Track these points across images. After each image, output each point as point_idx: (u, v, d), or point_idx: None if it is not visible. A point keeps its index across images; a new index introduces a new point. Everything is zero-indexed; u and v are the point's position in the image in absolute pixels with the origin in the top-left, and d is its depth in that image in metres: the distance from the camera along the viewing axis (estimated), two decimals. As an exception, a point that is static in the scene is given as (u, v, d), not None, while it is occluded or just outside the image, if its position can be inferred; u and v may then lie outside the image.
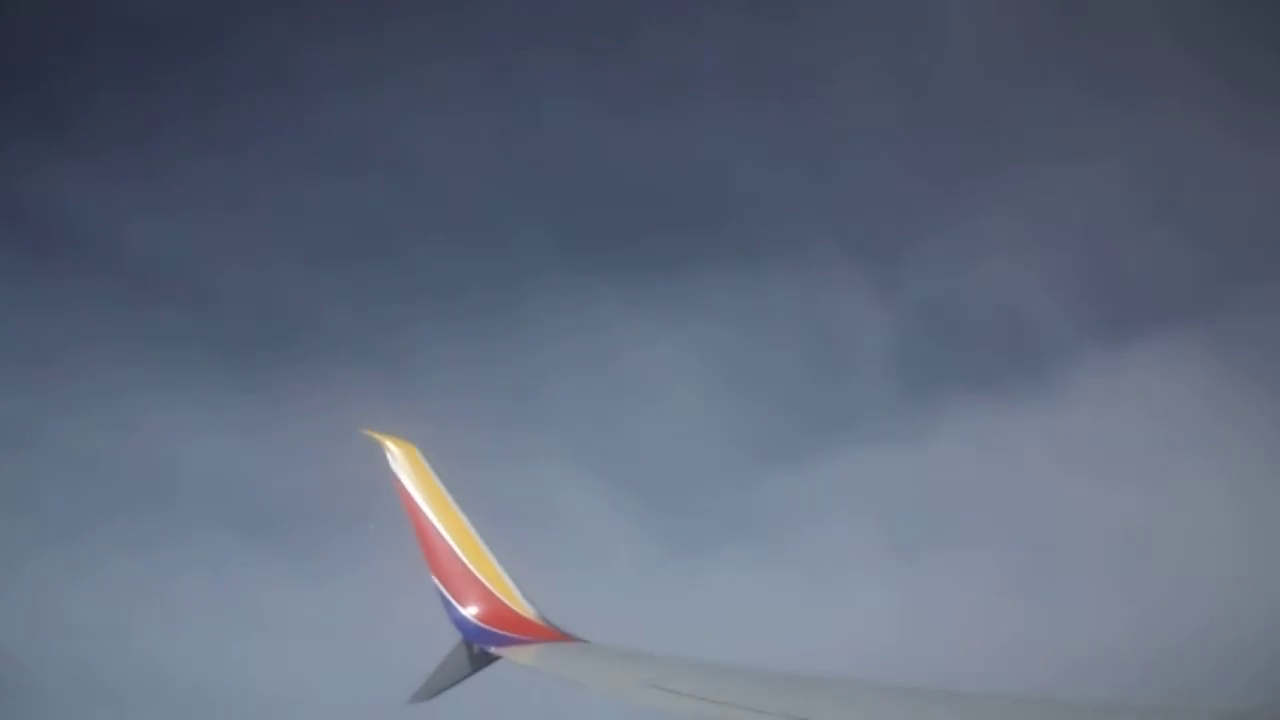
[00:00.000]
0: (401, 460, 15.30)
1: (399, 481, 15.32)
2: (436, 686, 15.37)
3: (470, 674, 15.36)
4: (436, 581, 15.25)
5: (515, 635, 14.88)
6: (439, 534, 15.07)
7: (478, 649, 15.09)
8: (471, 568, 15.09)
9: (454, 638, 15.48)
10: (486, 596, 15.11)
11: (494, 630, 14.97)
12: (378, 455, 15.61)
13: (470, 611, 15.06)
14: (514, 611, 15.09)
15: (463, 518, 15.15)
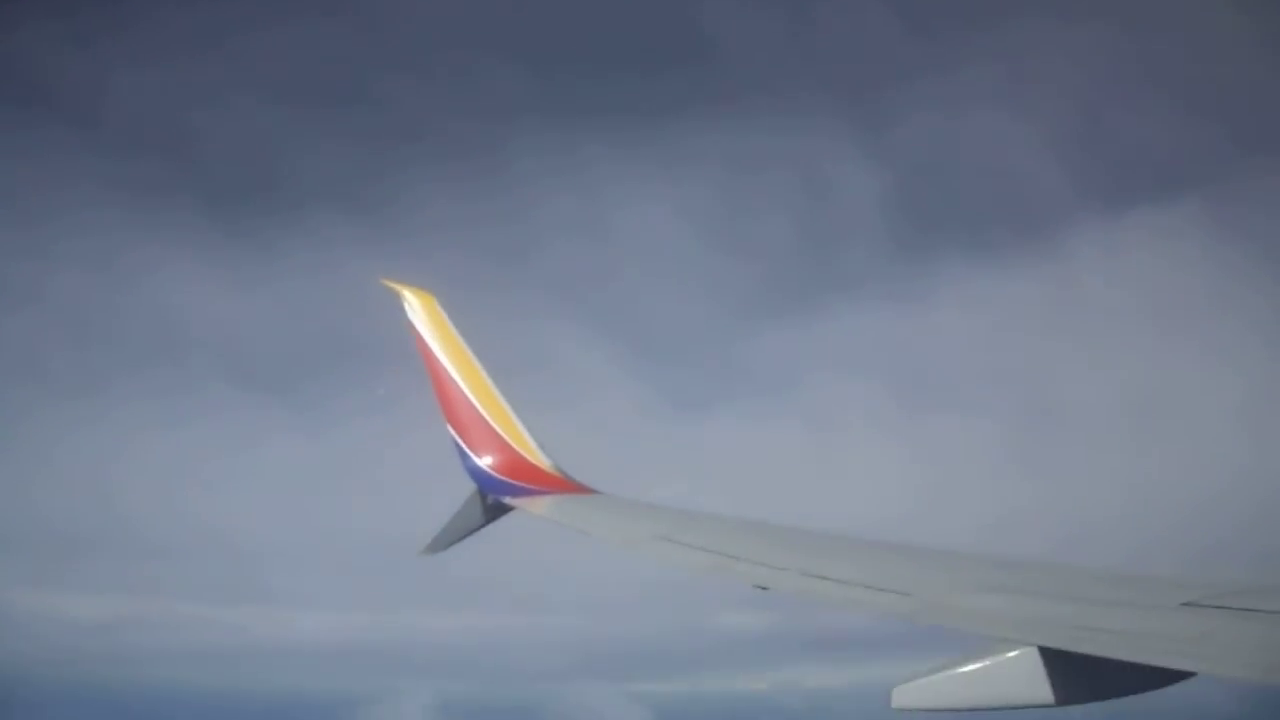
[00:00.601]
0: (419, 310, 15.23)
1: (416, 331, 15.26)
2: (449, 538, 15.48)
3: (483, 525, 15.43)
4: (452, 431, 15.27)
5: (530, 486, 14.97)
6: (455, 384, 15.08)
7: (492, 500, 15.19)
8: (487, 418, 15.12)
9: (467, 490, 15.75)
10: (502, 447, 15.16)
11: (509, 480, 15.05)
12: (394, 306, 15.66)
13: (485, 462, 15.12)
14: (529, 462, 15.15)
15: (479, 368, 15.14)
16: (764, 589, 9.84)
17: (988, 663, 6.93)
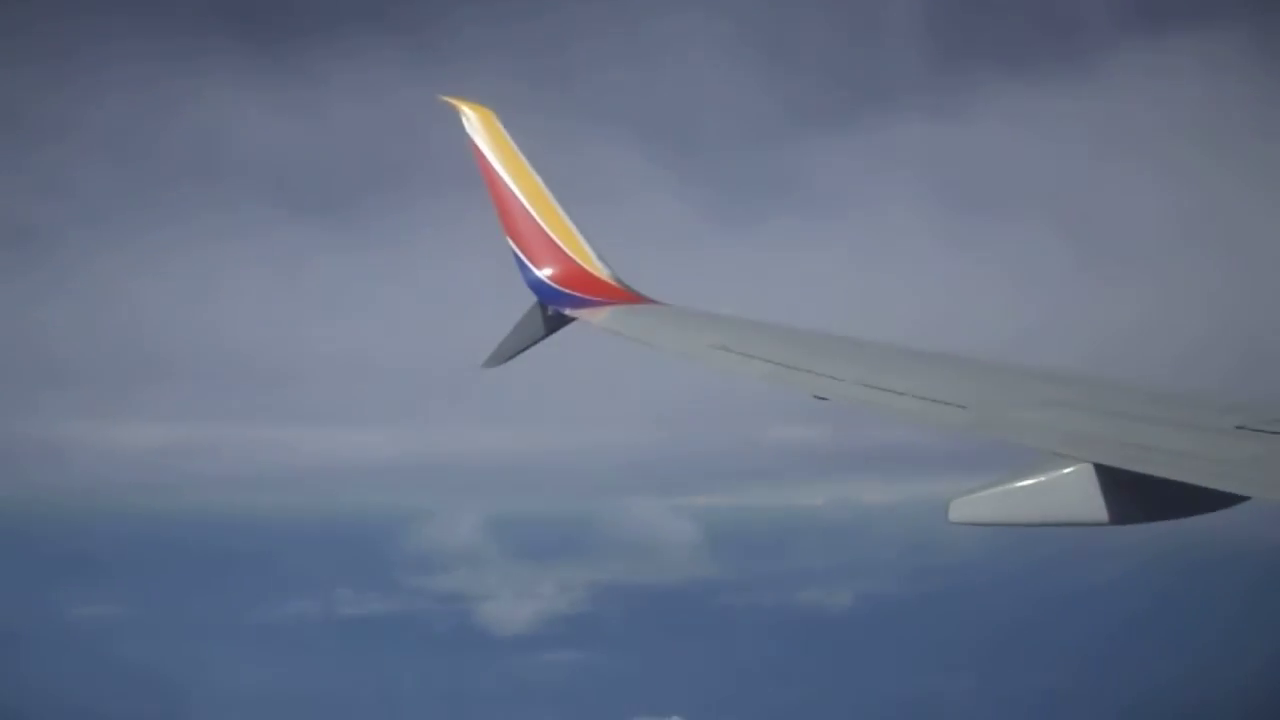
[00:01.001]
0: (478, 125, 15.20)
1: (475, 146, 15.26)
2: (509, 350, 15.77)
3: (544, 337, 15.66)
4: (512, 244, 15.39)
5: (590, 297, 15.16)
6: (515, 197, 15.09)
7: (552, 311, 15.41)
8: (547, 230, 15.22)
9: (528, 302, 15.94)
10: (562, 258, 15.30)
11: (569, 291, 15.25)
12: (449, 123, 15.71)
13: (545, 273, 15.29)
14: (589, 273, 15.32)
15: (538, 181, 15.15)
16: (823, 399, 9.97)
17: (1043, 478, 7.00)
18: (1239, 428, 7.13)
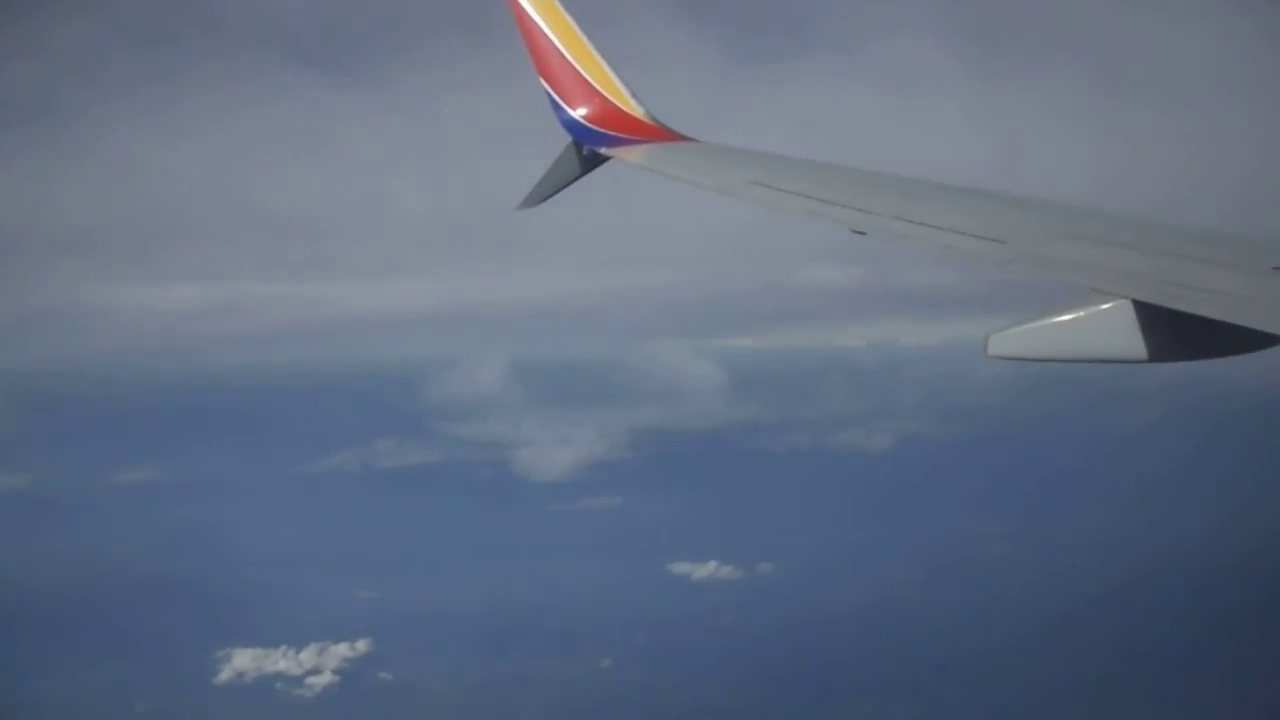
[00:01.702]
0: None
1: None
2: (546, 191, 15.61)
3: (580, 176, 15.44)
4: (545, 84, 15.07)
5: (624, 135, 14.91)
6: (547, 37, 14.68)
7: (587, 150, 15.14)
8: (580, 68, 14.90)
9: (563, 143, 15.77)
10: (595, 97, 15.03)
11: (603, 130, 15.01)
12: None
13: (579, 113, 15.02)
14: (623, 111, 15.05)
15: (570, 20, 14.74)
16: (860, 233, 9.87)
17: (1082, 313, 6.95)
18: (1276, 268, 7.06)
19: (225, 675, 73.13)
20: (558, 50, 14.96)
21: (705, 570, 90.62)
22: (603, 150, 14.95)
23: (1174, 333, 6.89)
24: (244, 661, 74.11)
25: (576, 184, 15.60)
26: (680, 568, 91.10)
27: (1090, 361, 7.13)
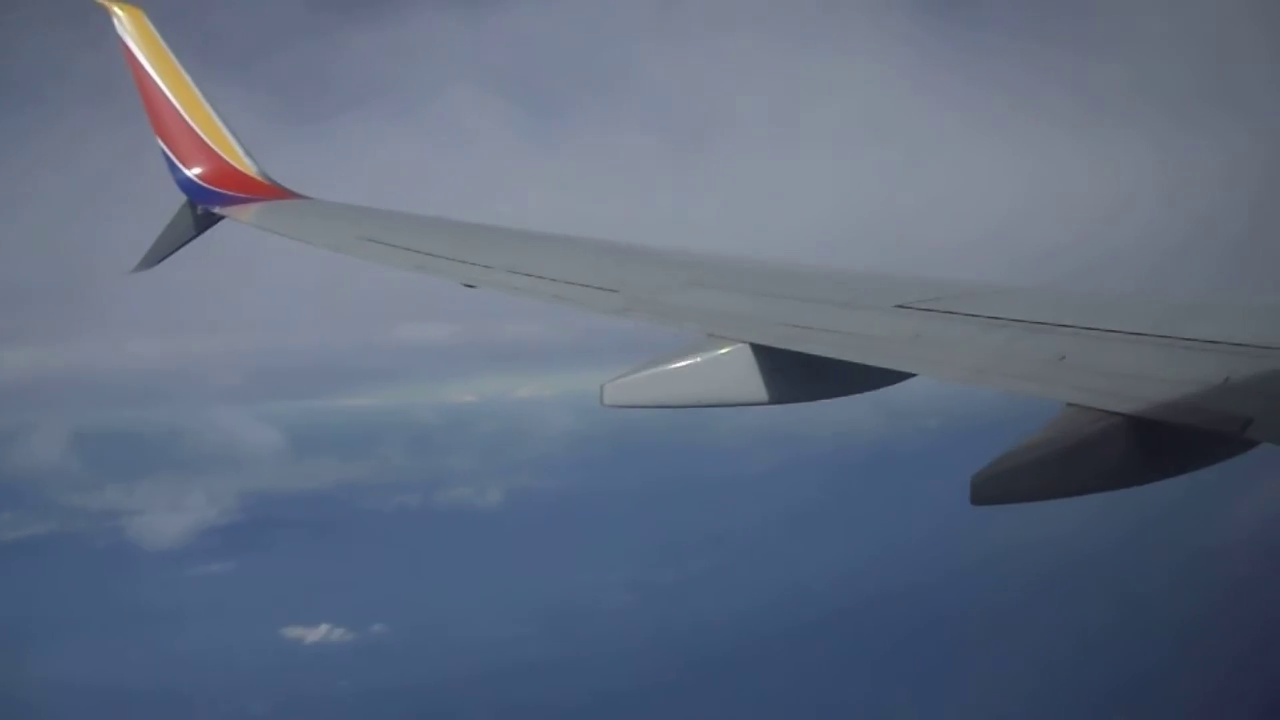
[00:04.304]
0: (128, 24, 14.49)
1: (125, 46, 14.61)
2: (161, 252, 15.18)
3: (194, 236, 14.88)
4: (161, 144, 14.63)
5: (239, 194, 14.69)
6: (164, 95, 14.25)
7: (201, 210, 14.81)
8: (195, 127, 14.61)
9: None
10: (210, 155, 14.76)
11: (218, 189, 14.74)
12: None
13: (195, 172, 14.72)
14: (236, 169, 14.84)
15: (186, 78, 14.22)
16: (471, 286, 9.76)
17: (699, 359, 6.86)
18: (898, 306, 7.14)
19: None
20: (174, 109, 14.67)
21: (318, 633, 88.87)
22: (216, 209, 14.73)
23: (794, 374, 6.90)
24: None
25: (193, 244, 15.39)
26: (294, 632, 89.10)
27: (710, 406, 7.02)
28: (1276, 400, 4.97)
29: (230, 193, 14.80)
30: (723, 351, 6.91)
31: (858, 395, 7.17)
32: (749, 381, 6.89)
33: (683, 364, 6.90)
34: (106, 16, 14.67)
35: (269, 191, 14.87)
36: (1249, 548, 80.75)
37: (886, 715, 71.07)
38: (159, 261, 15.09)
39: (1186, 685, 67.80)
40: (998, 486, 5.03)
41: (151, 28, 14.63)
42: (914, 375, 6.45)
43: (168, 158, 14.90)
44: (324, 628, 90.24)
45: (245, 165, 14.95)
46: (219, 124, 14.90)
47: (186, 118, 14.75)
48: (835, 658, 77.14)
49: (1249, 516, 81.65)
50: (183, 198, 15.06)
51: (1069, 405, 5.33)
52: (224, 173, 14.89)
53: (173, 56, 14.64)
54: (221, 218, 14.77)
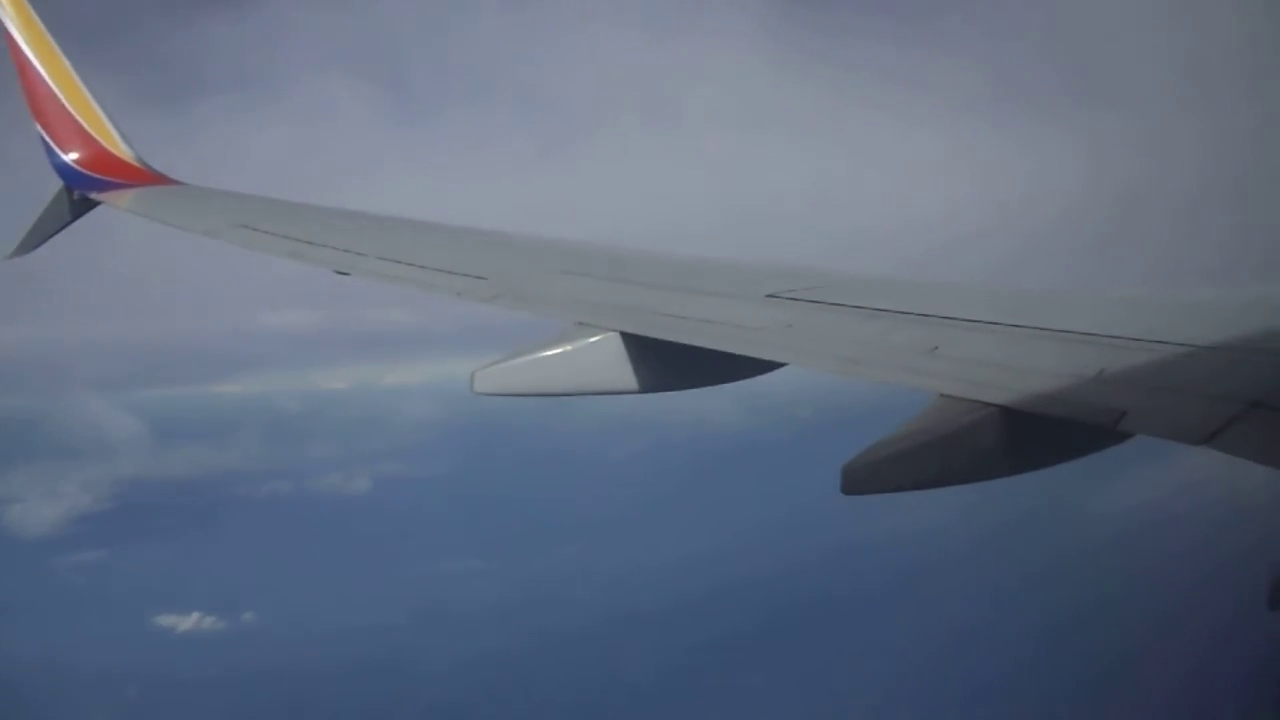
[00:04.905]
0: (6, 6, 14.17)
1: (3, 27, 14.52)
2: (37, 238, 15.06)
3: (70, 222, 14.55)
4: (40, 128, 14.47)
5: (115, 179, 14.57)
6: (41, 79, 14.23)
7: (78, 195, 14.62)
8: (72, 111, 14.45)
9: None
10: (87, 140, 14.61)
11: (94, 175, 14.59)
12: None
13: (71, 157, 14.57)
14: (113, 155, 14.71)
15: (64, 61, 13.96)
16: (344, 274, 9.72)
17: (569, 348, 6.85)
18: (769, 296, 7.14)
19: None
20: (52, 92, 14.58)
21: (189, 622, 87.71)
22: (92, 195, 14.48)
23: (664, 363, 6.87)
24: None
25: (69, 230, 15.27)
26: (166, 620, 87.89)
27: (580, 394, 7.00)
28: (1151, 392, 4.98)
29: (107, 178, 14.60)
30: (592, 340, 6.88)
31: (729, 384, 7.15)
32: (619, 370, 6.86)
33: (552, 352, 6.88)
34: None
35: (145, 177, 14.69)
36: (1121, 539, 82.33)
37: (741, 700, 71.42)
38: (35, 247, 14.91)
39: (1053, 678, 69.04)
40: (869, 476, 5.03)
41: (30, 9, 14.47)
42: (785, 365, 6.42)
43: (45, 142, 14.71)
44: (195, 616, 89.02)
45: (122, 151, 14.78)
46: (96, 109, 14.72)
47: (64, 102, 14.57)
48: (697, 645, 77.47)
49: (1122, 508, 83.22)
50: (60, 182, 14.90)
51: (942, 396, 5.32)
52: (101, 158, 14.69)
53: (51, 40, 14.43)
54: (98, 203, 14.63)
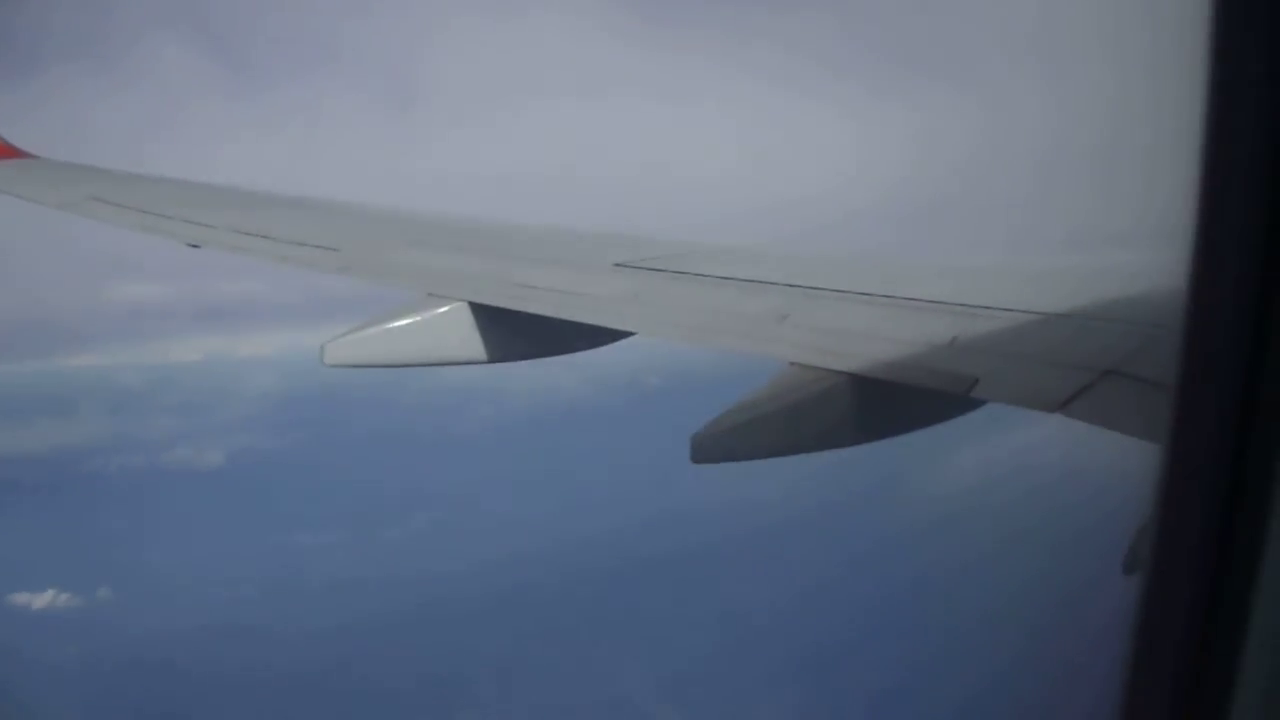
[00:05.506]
0: None
1: None
2: None
3: None
4: None
5: None
6: None
7: None
8: None
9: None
10: None
11: None
12: None
13: None
14: None
15: None
16: (196, 246, 9.61)
17: (419, 318, 6.84)
18: (617, 265, 7.15)
19: None
20: None
21: (44, 599, 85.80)
22: None
23: (513, 333, 6.85)
24: None
25: None
26: (20, 597, 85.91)
27: (430, 365, 7.08)
28: (1003, 360, 5.01)
29: None
30: (442, 310, 6.83)
31: (578, 354, 7.12)
32: (468, 340, 6.82)
33: (402, 323, 6.85)
34: None
35: None
36: (970, 509, 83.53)
37: (575, 663, 71.24)
38: None
39: (895, 647, 69.89)
40: (718, 445, 5.04)
41: None
42: (633, 334, 6.39)
43: None
44: (50, 593, 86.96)
45: None
46: None
47: None
48: (542, 612, 77.55)
49: (971, 477, 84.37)
50: None
51: (792, 364, 5.28)
52: None
53: None
54: None
